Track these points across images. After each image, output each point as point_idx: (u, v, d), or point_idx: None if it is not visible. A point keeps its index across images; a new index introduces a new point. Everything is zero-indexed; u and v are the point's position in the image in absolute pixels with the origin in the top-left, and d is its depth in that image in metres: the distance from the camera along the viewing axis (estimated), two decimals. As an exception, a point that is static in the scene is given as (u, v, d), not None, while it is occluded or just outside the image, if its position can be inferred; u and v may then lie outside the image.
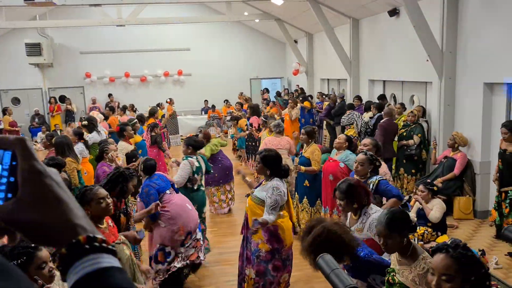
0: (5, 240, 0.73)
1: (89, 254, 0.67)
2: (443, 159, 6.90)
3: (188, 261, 4.55)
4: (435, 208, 5.43)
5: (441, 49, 7.00)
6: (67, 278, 0.67)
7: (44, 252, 2.28)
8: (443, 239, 5.51)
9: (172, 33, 16.62)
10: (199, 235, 4.67)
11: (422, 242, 5.42)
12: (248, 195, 4.28)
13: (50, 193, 0.69)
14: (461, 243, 2.12)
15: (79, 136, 7.03)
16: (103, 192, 3.10)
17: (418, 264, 2.57)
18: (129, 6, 11.60)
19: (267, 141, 7.18)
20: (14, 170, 0.68)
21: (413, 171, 7.32)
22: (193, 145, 5.64)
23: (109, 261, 0.68)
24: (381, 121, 7.90)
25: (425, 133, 7.54)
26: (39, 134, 14.50)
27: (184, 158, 5.61)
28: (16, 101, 16.70)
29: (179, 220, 4.41)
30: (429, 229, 5.54)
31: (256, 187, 4.29)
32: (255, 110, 10.38)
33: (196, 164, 5.53)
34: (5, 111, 13.26)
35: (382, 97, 9.29)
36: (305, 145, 6.17)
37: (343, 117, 9.61)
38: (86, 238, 0.68)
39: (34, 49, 15.30)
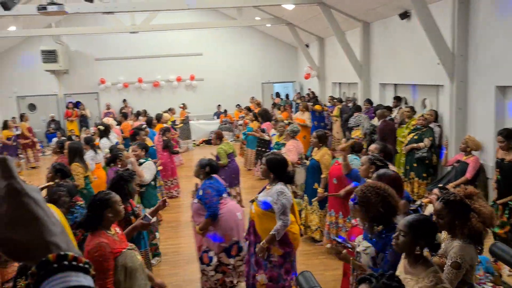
0: None
1: (57, 272, 0.67)
2: (455, 163, 6.82)
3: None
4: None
5: (452, 52, 6.94)
6: None
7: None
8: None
9: (185, 39, 16.78)
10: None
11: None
12: (252, 201, 4.28)
13: (27, 211, 0.71)
14: (387, 273, 2.05)
15: (90, 143, 7.14)
16: (118, 196, 3.18)
17: (427, 276, 2.49)
18: (142, 13, 11.75)
19: (296, 145, 7.10)
20: None
21: (424, 175, 7.26)
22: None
23: (77, 279, 0.68)
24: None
25: (435, 137, 7.47)
26: (54, 139, 14.74)
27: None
28: (32, 107, 17.03)
29: (227, 227, 4.45)
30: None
31: (259, 192, 4.29)
32: (265, 116, 10.40)
33: None
34: (22, 117, 13.53)
35: (397, 99, 9.24)
36: (315, 148, 6.20)
37: (350, 119, 9.95)
38: (56, 256, 0.68)
39: (50, 56, 15.60)
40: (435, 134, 7.47)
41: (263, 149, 9.66)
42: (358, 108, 10.09)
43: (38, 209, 0.73)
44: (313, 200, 6.14)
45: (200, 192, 4.56)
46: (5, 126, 11.91)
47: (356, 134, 9.37)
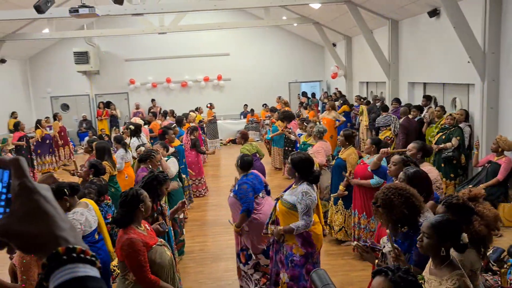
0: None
1: (66, 264, 0.72)
2: (486, 164, 6.64)
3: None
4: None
5: (483, 50, 6.77)
6: (49, 285, 0.73)
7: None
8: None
9: (212, 39, 16.94)
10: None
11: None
12: (277, 199, 4.30)
13: (38, 207, 0.76)
14: (403, 267, 2.05)
15: (119, 142, 7.29)
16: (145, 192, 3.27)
17: (451, 278, 2.44)
18: (170, 14, 11.93)
19: (324, 146, 6.96)
20: (10, 187, 0.76)
21: (451, 175, 7.10)
22: None
23: (85, 270, 0.73)
24: (401, 121, 8.54)
25: (465, 137, 7.30)
26: (86, 138, 15.14)
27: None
28: (65, 107, 17.55)
29: (261, 229, 4.43)
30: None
31: (285, 190, 4.31)
32: (287, 117, 10.39)
33: None
34: (55, 116, 13.96)
35: (427, 98, 9.07)
36: (343, 148, 6.18)
37: (378, 119, 9.84)
38: (65, 249, 0.73)
39: (82, 57, 16.04)
40: (465, 134, 7.30)
41: (290, 149, 9.67)
42: (385, 108, 10.01)
43: (48, 206, 0.77)
44: (332, 195, 6.10)
45: (236, 187, 4.62)
46: (39, 125, 12.30)
47: (386, 134, 9.28)
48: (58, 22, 12.83)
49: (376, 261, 3.04)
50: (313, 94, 17.09)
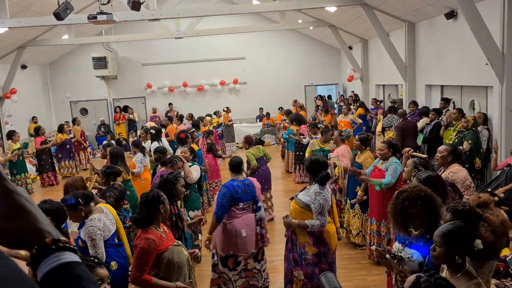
0: None
1: (54, 252, 0.83)
2: (505, 167, 6.53)
3: None
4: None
5: (502, 51, 6.67)
6: (37, 273, 0.82)
7: (104, 271, 2.51)
8: (505, 252, 5.22)
9: (228, 43, 17.03)
10: (258, 266, 4.72)
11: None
12: (292, 198, 4.36)
13: (20, 206, 0.84)
14: (435, 274, 2.04)
15: (137, 146, 7.38)
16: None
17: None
18: (186, 19, 12.06)
19: (348, 150, 6.84)
20: None
21: (466, 179, 6.99)
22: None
23: (70, 257, 0.83)
24: (397, 123, 9.00)
25: (483, 140, 7.18)
26: (104, 142, 15.37)
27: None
28: (84, 111, 17.85)
29: (226, 239, 4.54)
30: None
31: (300, 191, 4.35)
32: (298, 120, 10.41)
33: None
34: (74, 121, 14.22)
35: (445, 100, 8.97)
36: (358, 151, 6.15)
37: (383, 120, 10.12)
38: (52, 240, 0.84)
39: (100, 62, 16.30)
40: (483, 137, 7.19)
41: (301, 153, 9.69)
42: (391, 109, 10.20)
43: (28, 204, 0.86)
44: (352, 201, 6.08)
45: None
46: (61, 129, 12.53)
47: (389, 135, 9.46)
48: (77, 29, 13.08)
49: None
50: (329, 96, 17.03)
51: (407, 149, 4.73)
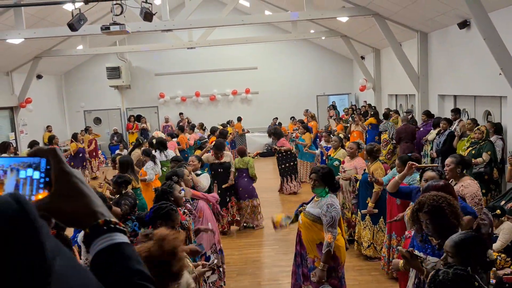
0: None
1: (106, 233, 0.89)
2: (521, 179, 6.41)
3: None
4: (500, 235, 5.04)
5: (516, 61, 6.58)
6: (90, 251, 0.89)
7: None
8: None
9: (240, 53, 17.12)
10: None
11: (494, 269, 5.06)
12: (300, 212, 4.31)
13: (76, 188, 0.90)
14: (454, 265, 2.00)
15: (148, 155, 7.43)
16: None
17: None
18: (199, 29, 12.17)
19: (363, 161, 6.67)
20: (48, 172, 0.88)
21: (483, 191, 6.83)
22: None
23: (120, 238, 0.90)
24: (391, 128, 10.11)
25: (497, 150, 7.06)
26: (117, 151, 15.49)
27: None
28: (97, 120, 18.05)
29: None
30: (503, 255, 5.17)
31: (307, 203, 4.31)
32: (279, 134, 10.52)
33: None
34: (87, 130, 14.39)
35: (456, 111, 8.87)
36: (368, 162, 6.08)
37: (380, 125, 11.08)
38: (104, 221, 0.90)
39: (114, 72, 16.52)
40: (497, 147, 7.06)
41: (291, 163, 10.08)
42: (386, 116, 11.26)
43: (84, 186, 0.91)
44: (362, 211, 5.99)
45: None
46: (75, 138, 12.68)
47: (384, 137, 10.57)
48: (91, 39, 13.29)
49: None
50: (333, 105, 16.90)
51: (410, 163, 4.54)
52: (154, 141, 8.65)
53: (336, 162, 7.28)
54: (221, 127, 12.92)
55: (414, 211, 2.97)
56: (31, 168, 0.86)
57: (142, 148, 10.09)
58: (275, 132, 10.67)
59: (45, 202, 0.86)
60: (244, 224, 7.88)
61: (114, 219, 0.91)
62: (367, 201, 5.95)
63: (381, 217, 5.81)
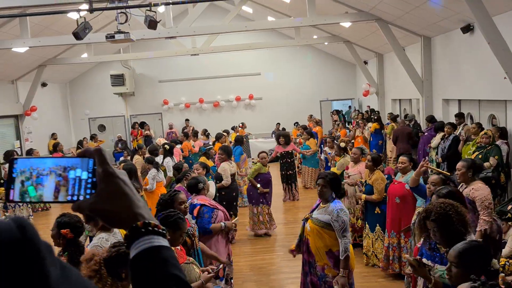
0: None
1: (144, 235, 0.90)
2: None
3: None
4: (509, 241, 5.00)
5: (520, 65, 6.56)
6: (130, 251, 0.90)
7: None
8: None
9: (243, 59, 17.17)
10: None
11: (503, 274, 5.02)
12: (306, 219, 4.28)
13: (118, 189, 0.91)
14: (487, 282, 1.97)
15: (151, 162, 7.45)
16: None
17: None
18: (202, 36, 12.21)
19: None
20: (95, 172, 0.90)
21: (491, 196, 6.82)
22: None
23: (159, 241, 0.91)
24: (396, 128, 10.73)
25: (503, 155, 7.02)
26: (121, 158, 15.51)
27: None
28: (102, 128, 18.11)
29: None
30: (511, 260, 5.13)
31: (312, 210, 4.29)
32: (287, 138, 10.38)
33: None
34: (92, 137, 14.43)
35: (459, 115, 8.85)
36: (369, 172, 6.04)
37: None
38: (143, 224, 0.91)
39: (118, 79, 16.59)
40: (503, 152, 7.03)
41: (290, 172, 9.96)
42: (378, 119, 11.88)
43: (126, 188, 0.93)
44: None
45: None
46: (80, 146, 12.73)
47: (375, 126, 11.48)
48: (96, 47, 13.36)
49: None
50: (337, 111, 16.90)
51: (423, 163, 4.65)
52: (166, 146, 8.74)
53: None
54: (225, 134, 12.94)
55: (421, 219, 2.95)
56: (79, 169, 0.88)
57: (147, 156, 10.15)
58: (286, 135, 10.49)
59: (89, 202, 0.88)
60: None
61: (154, 221, 0.92)
62: (375, 211, 5.91)
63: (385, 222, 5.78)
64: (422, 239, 3.45)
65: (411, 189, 4.90)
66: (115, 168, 0.93)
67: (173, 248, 3.18)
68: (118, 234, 3.70)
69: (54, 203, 0.89)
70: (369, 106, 15.35)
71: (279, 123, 17.00)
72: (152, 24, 6.42)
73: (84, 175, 0.88)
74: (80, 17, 6.33)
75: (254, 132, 16.83)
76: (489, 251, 2.47)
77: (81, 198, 0.88)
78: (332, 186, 4.15)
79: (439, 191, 3.50)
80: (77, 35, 6.42)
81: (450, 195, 3.38)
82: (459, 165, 4.52)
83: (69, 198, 0.87)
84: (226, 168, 7.45)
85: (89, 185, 0.88)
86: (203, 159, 8.12)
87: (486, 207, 4.19)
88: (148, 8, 6.30)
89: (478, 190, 4.28)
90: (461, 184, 4.55)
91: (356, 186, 6.42)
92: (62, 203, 0.89)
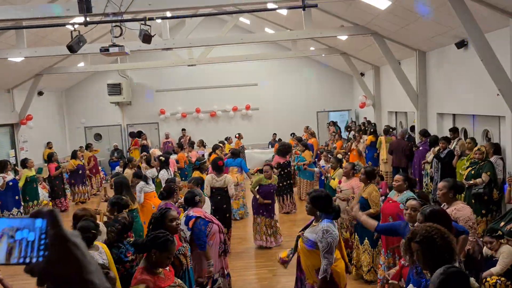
0: None
1: None
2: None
3: None
4: (500, 259, 4.99)
5: (513, 82, 6.58)
6: None
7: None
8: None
9: (240, 69, 17.21)
10: None
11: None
12: (298, 237, 4.26)
13: (69, 254, 0.90)
14: None
15: (139, 177, 7.44)
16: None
17: None
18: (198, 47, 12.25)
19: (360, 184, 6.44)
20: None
21: (483, 211, 6.80)
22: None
23: None
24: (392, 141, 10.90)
25: (498, 170, 7.02)
26: (117, 168, 15.46)
27: None
28: (98, 137, 18.08)
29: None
30: (502, 278, 5.11)
31: (305, 228, 4.27)
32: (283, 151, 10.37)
33: None
34: (88, 147, 14.40)
35: (454, 130, 8.88)
36: (363, 185, 6.01)
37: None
38: None
39: (115, 89, 16.61)
40: (498, 167, 7.02)
41: (286, 182, 9.98)
42: (386, 132, 11.79)
43: (78, 252, 0.91)
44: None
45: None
46: (74, 155, 12.68)
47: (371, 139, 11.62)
48: (93, 57, 13.38)
49: None
50: (334, 123, 16.91)
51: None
52: (162, 158, 8.73)
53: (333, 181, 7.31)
54: (221, 145, 12.93)
55: (407, 240, 2.93)
56: (27, 230, 0.87)
57: (143, 165, 10.11)
58: (289, 147, 10.45)
59: (40, 266, 0.87)
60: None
61: (106, 286, 0.92)
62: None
63: (380, 240, 5.76)
64: (407, 258, 3.43)
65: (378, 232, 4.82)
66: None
67: (160, 269, 3.17)
68: (104, 254, 3.68)
69: (7, 265, 0.87)
70: (365, 118, 15.37)
71: (275, 134, 17.01)
72: (146, 38, 6.42)
73: (31, 237, 0.87)
74: (75, 30, 6.33)
75: (250, 142, 16.83)
76: (467, 277, 2.46)
77: (34, 260, 0.86)
78: (314, 204, 4.10)
79: (423, 211, 3.48)
80: (71, 48, 6.43)
81: (433, 214, 3.36)
82: (440, 185, 4.54)
83: (21, 260, 0.86)
84: (207, 179, 7.46)
85: (42, 247, 0.87)
86: (197, 173, 8.07)
87: (470, 227, 4.20)
88: (143, 22, 6.31)
89: (460, 211, 4.30)
90: (443, 204, 4.55)
91: (349, 201, 6.41)
92: (14, 265, 0.87)
